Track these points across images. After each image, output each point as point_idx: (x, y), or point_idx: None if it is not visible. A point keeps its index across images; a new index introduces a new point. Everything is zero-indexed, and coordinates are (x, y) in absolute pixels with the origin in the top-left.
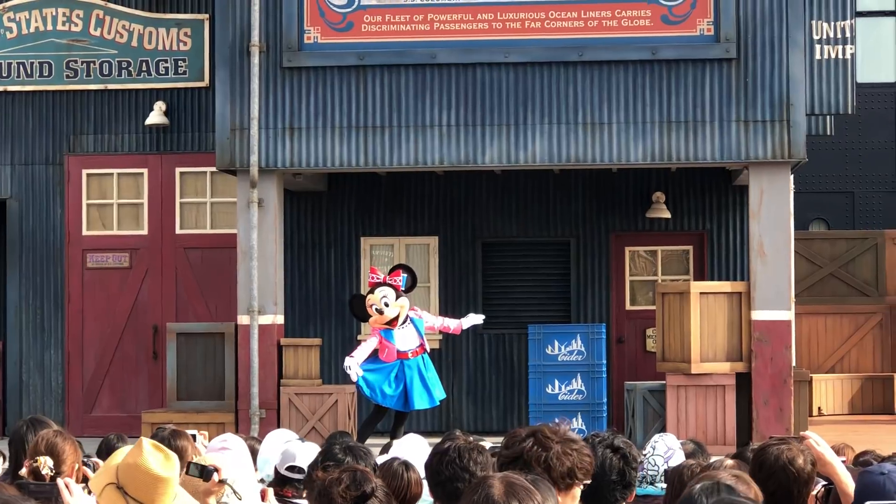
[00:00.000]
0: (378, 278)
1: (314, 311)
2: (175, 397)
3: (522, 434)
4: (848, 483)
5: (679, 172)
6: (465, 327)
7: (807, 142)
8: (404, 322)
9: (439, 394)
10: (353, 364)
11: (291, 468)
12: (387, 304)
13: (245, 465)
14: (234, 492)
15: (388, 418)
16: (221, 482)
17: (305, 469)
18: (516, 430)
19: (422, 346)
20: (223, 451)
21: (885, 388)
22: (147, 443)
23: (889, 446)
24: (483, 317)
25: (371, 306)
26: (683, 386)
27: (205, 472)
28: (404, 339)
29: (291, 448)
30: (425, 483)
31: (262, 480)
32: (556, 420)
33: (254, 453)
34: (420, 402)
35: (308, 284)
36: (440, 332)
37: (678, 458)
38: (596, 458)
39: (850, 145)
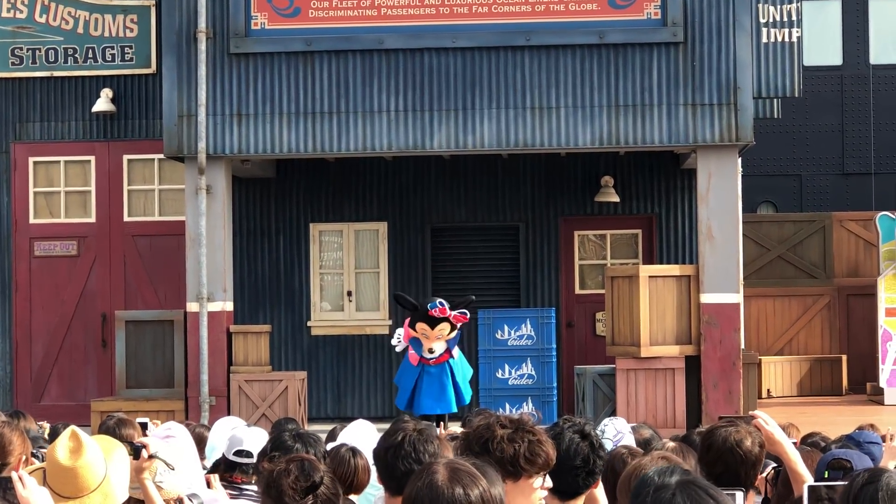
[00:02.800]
0: (442, 315)
1: (263, 298)
2: (124, 385)
3: (478, 417)
4: (797, 462)
5: (627, 156)
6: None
7: (754, 125)
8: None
9: (465, 399)
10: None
11: (239, 452)
12: (438, 338)
13: (189, 452)
14: (166, 463)
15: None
16: (151, 457)
17: (253, 453)
18: (484, 411)
19: (447, 351)
20: (167, 438)
21: (834, 370)
22: (66, 433)
23: (837, 427)
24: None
25: (422, 334)
26: (633, 370)
27: (134, 450)
28: (432, 354)
29: (238, 433)
30: (374, 469)
31: (205, 467)
32: (524, 412)
33: (203, 441)
34: (429, 406)
35: (257, 271)
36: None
37: (628, 442)
38: (563, 442)
39: (797, 128)
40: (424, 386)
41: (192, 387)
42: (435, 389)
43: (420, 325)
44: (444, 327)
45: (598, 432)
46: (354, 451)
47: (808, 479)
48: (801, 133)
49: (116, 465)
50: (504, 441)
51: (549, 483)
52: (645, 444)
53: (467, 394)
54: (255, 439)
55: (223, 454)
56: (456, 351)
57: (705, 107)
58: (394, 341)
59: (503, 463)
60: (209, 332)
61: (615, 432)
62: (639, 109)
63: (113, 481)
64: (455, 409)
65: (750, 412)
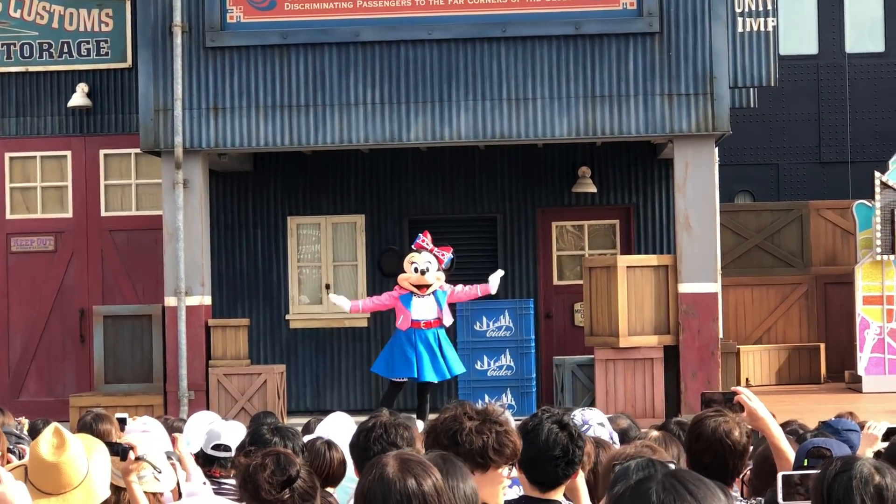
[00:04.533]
0: (427, 245)
1: (241, 292)
2: (103, 381)
3: (448, 409)
4: (780, 438)
5: (604, 147)
6: (492, 291)
7: (730, 114)
8: (430, 292)
9: (457, 368)
10: (340, 299)
11: (217, 447)
12: (427, 270)
13: (164, 447)
14: (154, 467)
15: (408, 399)
16: (138, 459)
17: (231, 447)
18: (457, 405)
19: (438, 319)
20: (144, 434)
21: (812, 358)
22: (50, 429)
23: (816, 415)
24: (503, 271)
25: (412, 264)
26: (612, 360)
27: (121, 451)
28: (421, 308)
29: (216, 427)
30: (351, 463)
31: (168, 457)
32: (494, 401)
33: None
34: (430, 374)
35: (235, 265)
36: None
37: (600, 433)
38: (541, 433)
39: (773, 117)
40: (418, 352)
41: (170, 381)
42: (428, 356)
43: (408, 265)
44: (432, 259)
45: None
46: (330, 444)
47: (792, 456)
48: (778, 122)
49: (97, 463)
50: (472, 433)
51: (514, 473)
52: (623, 435)
53: (459, 364)
54: (233, 433)
55: (201, 448)
56: (447, 317)
57: (681, 97)
58: (334, 298)
59: (472, 455)
60: (187, 327)
61: (582, 422)
62: (615, 100)
63: (94, 478)
64: (449, 377)
65: (732, 388)
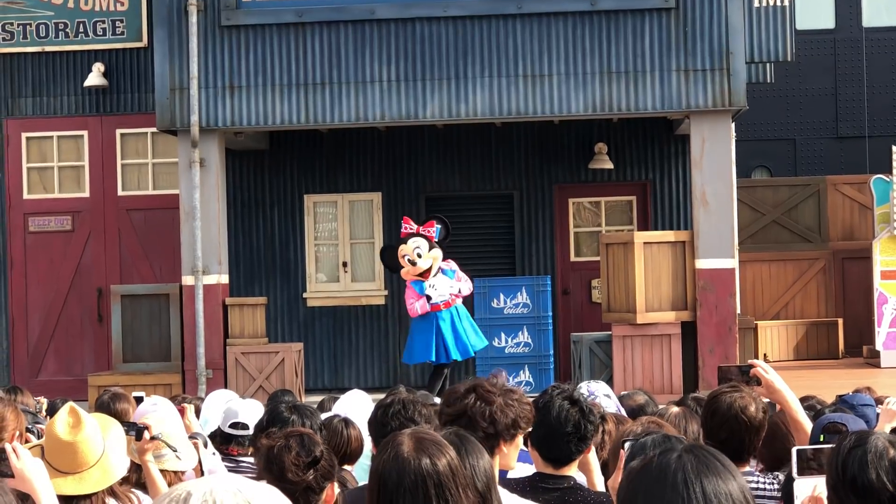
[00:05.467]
0: (411, 228)
1: (259, 270)
2: (121, 360)
3: (462, 390)
4: (798, 410)
5: (621, 123)
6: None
7: (747, 89)
8: (436, 273)
9: (477, 342)
10: (427, 300)
11: (235, 425)
12: (419, 255)
13: (177, 426)
14: (169, 446)
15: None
16: (154, 438)
17: (249, 425)
18: (455, 386)
19: (454, 297)
20: (160, 413)
21: (830, 333)
22: (65, 408)
23: (833, 391)
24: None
25: (403, 257)
26: (629, 336)
27: (136, 431)
28: (436, 290)
29: (233, 405)
30: (368, 440)
31: (192, 436)
32: (493, 372)
33: (199, 413)
34: (455, 353)
35: (252, 243)
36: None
37: (605, 405)
38: (553, 409)
39: (790, 92)
40: (444, 333)
41: (188, 360)
42: (451, 335)
43: (401, 259)
44: (420, 243)
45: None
46: (347, 422)
47: (809, 429)
48: (795, 97)
49: (114, 442)
50: (500, 409)
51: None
52: (639, 410)
53: (480, 339)
54: (251, 411)
55: (219, 427)
56: (465, 285)
57: (698, 72)
58: (415, 305)
59: (506, 428)
60: (205, 305)
61: (588, 393)
62: (631, 76)
63: (111, 457)
64: (472, 354)
65: (749, 361)
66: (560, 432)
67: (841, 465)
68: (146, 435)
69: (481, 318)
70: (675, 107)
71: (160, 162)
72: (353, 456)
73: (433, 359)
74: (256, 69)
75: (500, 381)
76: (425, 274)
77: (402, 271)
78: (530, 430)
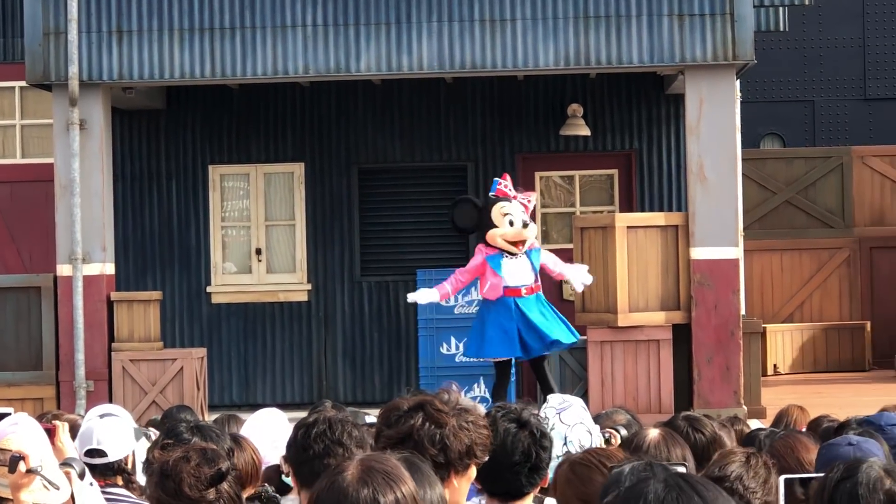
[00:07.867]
0: (511, 191)
1: (153, 258)
2: None
3: (405, 407)
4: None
5: (600, 80)
6: (578, 288)
7: (755, 39)
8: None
9: (563, 336)
10: (421, 294)
11: (91, 452)
12: (525, 224)
13: (44, 449)
14: (48, 483)
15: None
16: (30, 472)
17: (107, 452)
18: (396, 401)
19: (538, 283)
20: (30, 434)
21: (855, 340)
22: None
23: (858, 410)
24: (590, 277)
25: (505, 216)
26: (608, 342)
27: (10, 461)
28: (516, 272)
29: (92, 425)
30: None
31: (64, 463)
32: (443, 386)
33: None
34: (539, 347)
35: (145, 225)
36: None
37: (574, 414)
38: (497, 435)
39: (808, 44)
40: (521, 324)
41: (64, 369)
42: (534, 327)
43: (500, 216)
44: (520, 208)
45: (542, 415)
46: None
47: None
48: (814, 50)
49: None
50: (453, 433)
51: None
52: (623, 430)
53: (565, 330)
54: (111, 434)
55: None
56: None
57: (695, 17)
58: (413, 297)
59: (459, 457)
60: (85, 301)
61: (561, 400)
62: (613, 21)
63: None
64: (562, 348)
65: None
66: (508, 462)
67: (828, 500)
68: (21, 466)
69: (425, 320)
70: (667, 60)
71: (30, 124)
72: (243, 486)
73: (519, 354)
74: (150, 10)
75: (453, 398)
76: (518, 244)
77: (492, 232)
78: (486, 458)
